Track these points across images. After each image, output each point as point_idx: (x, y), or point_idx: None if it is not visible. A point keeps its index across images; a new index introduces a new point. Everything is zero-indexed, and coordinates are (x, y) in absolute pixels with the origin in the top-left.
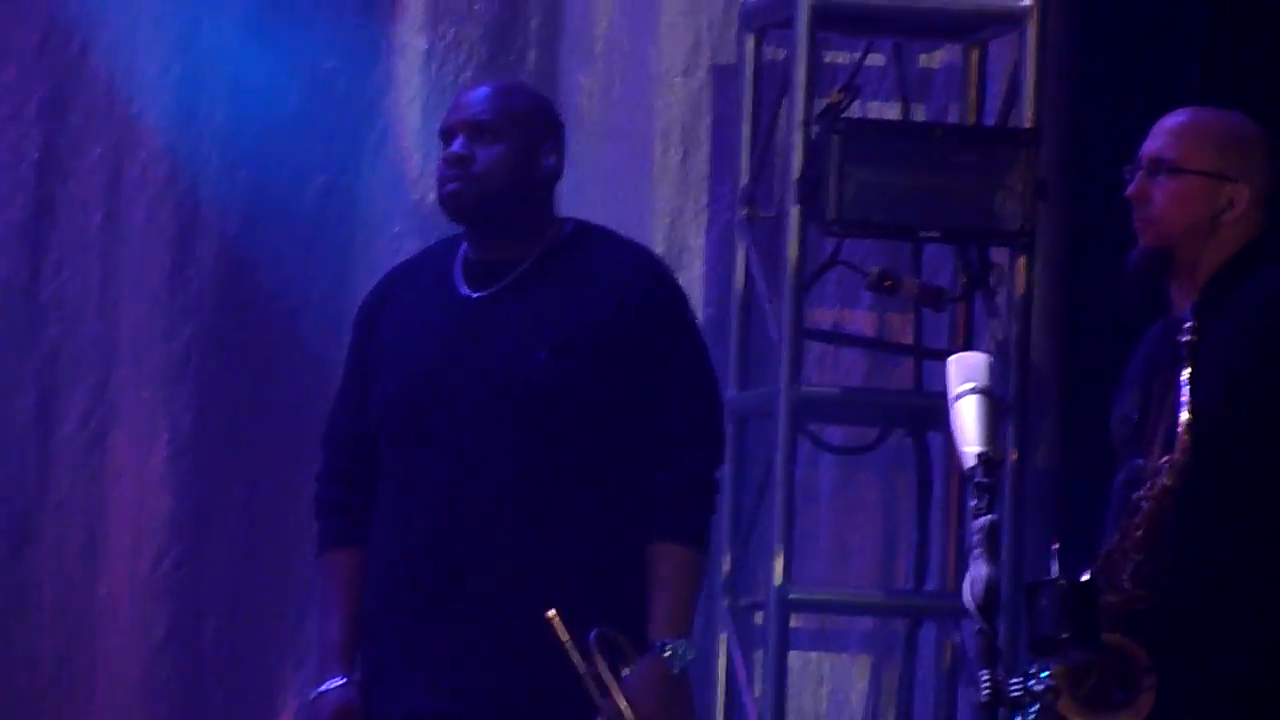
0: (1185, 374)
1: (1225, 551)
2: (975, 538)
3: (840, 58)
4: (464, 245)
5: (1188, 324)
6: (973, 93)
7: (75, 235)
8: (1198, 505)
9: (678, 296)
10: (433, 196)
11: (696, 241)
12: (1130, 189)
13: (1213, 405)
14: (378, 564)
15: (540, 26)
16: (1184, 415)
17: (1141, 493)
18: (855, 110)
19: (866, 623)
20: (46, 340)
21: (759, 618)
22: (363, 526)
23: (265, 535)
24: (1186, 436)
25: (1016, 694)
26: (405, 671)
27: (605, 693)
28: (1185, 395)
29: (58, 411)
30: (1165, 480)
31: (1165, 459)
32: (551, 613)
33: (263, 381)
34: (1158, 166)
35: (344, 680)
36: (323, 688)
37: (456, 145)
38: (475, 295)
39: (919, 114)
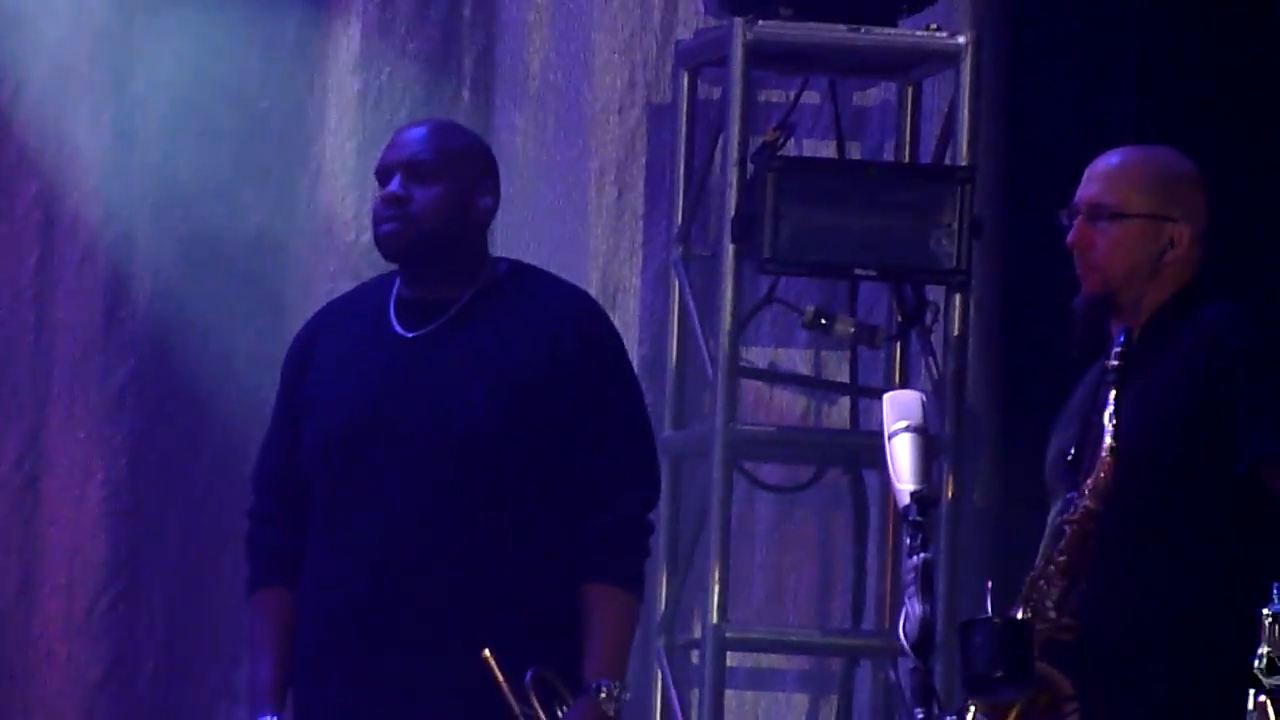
0: (1110, 397)
1: (1147, 578)
2: (909, 576)
3: (775, 96)
4: (397, 284)
5: (1116, 349)
6: (908, 130)
7: (9, 276)
8: (1119, 531)
9: (612, 338)
10: (367, 236)
11: (632, 281)
12: (1071, 237)
13: (1142, 432)
14: (309, 604)
15: (474, 66)
16: (1107, 440)
17: (1064, 517)
18: (791, 148)
19: (803, 661)
20: None
21: (695, 656)
22: (293, 566)
23: (201, 577)
24: (1109, 459)
25: None
26: (337, 708)
27: None
28: (1109, 420)
29: None
30: (1087, 503)
31: (1088, 481)
32: (486, 653)
33: (197, 423)
34: (1097, 212)
35: (273, 718)
36: None
37: (393, 185)
38: (410, 334)
39: (854, 152)
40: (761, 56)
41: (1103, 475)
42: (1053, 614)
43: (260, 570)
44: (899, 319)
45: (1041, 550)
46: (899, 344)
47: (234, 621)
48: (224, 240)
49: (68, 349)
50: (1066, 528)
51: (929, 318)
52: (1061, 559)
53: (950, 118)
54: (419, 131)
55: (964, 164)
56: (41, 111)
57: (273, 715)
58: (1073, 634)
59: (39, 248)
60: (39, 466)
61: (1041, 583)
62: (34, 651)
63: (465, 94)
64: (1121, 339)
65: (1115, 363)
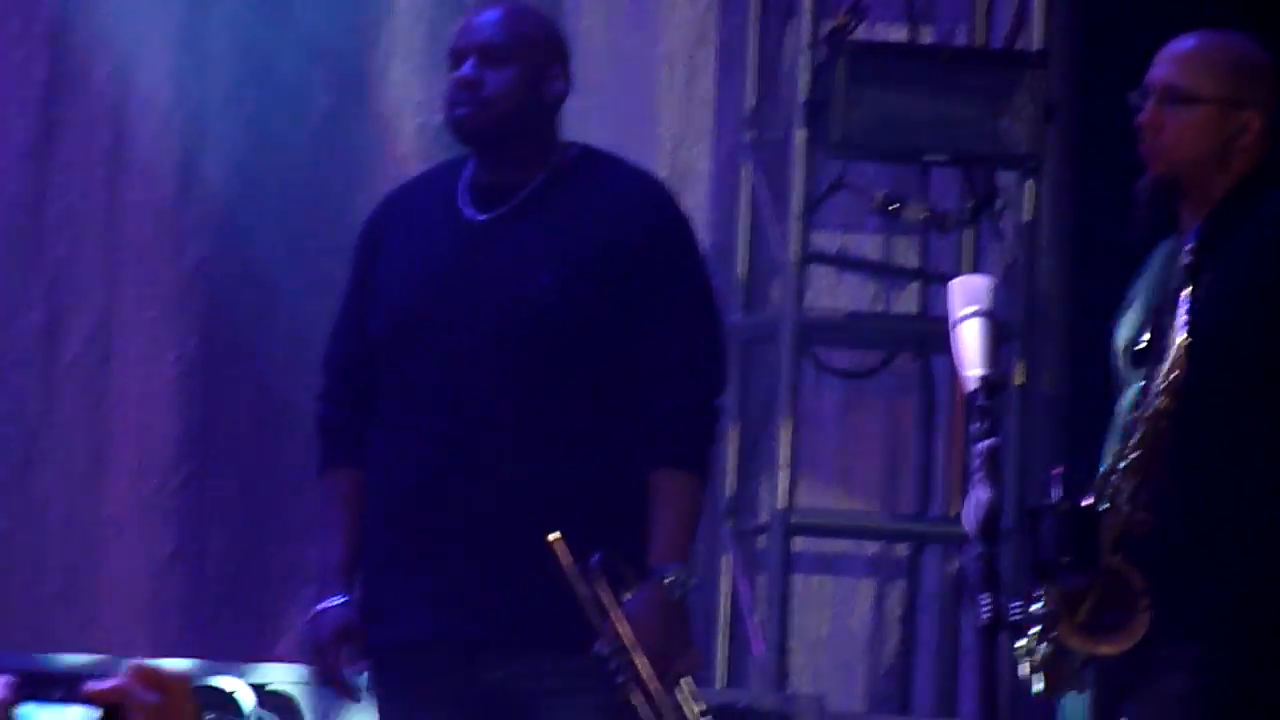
0: (1185, 294)
1: (1221, 473)
2: (977, 461)
3: None
4: (468, 167)
5: (1189, 245)
6: (980, 15)
7: (81, 156)
8: (1194, 426)
9: (682, 222)
10: (436, 119)
11: (701, 165)
12: (1142, 117)
13: (1214, 325)
14: (375, 486)
15: None
16: (1181, 336)
17: (1138, 413)
18: (862, 33)
19: (870, 546)
20: (51, 261)
21: (762, 541)
22: (363, 447)
23: (270, 455)
24: (1183, 356)
25: (1016, 618)
26: (404, 594)
27: (606, 617)
28: (1184, 316)
29: (63, 333)
30: (1161, 401)
31: (1162, 380)
32: (554, 536)
33: (268, 302)
34: (1169, 95)
35: (343, 599)
36: (322, 606)
37: (467, 68)
38: (479, 218)
39: (926, 36)
40: None
41: (1177, 372)
42: (1126, 508)
43: (330, 452)
44: (970, 205)
45: (1112, 445)
46: (969, 229)
47: (303, 501)
48: (296, 123)
49: (139, 229)
50: (1141, 425)
51: (1000, 203)
52: (1134, 455)
53: (1023, 1)
54: (493, 15)
55: (1037, 48)
56: None
57: (342, 595)
58: (1145, 528)
59: (110, 129)
60: (110, 346)
61: (1114, 478)
62: (104, 530)
63: None
64: (1195, 235)
65: (1189, 260)
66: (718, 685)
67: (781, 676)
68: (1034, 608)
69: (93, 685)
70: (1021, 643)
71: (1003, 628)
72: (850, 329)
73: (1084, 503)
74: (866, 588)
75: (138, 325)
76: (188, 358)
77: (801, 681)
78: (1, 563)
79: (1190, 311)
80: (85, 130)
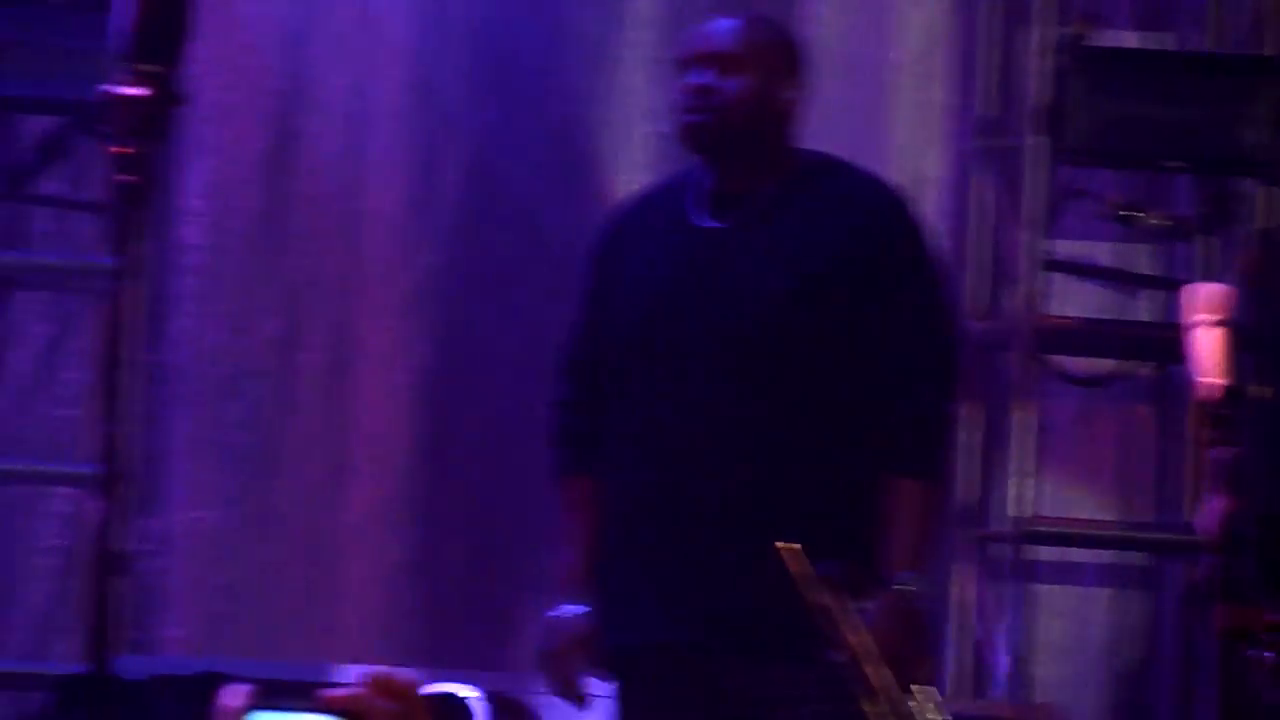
0: None
1: None
2: (1215, 470)
3: None
4: (701, 176)
5: None
6: (1216, 20)
7: (318, 165)
8: None
9: (917, 227)
10: (667, 127)
11: (934, 172)
12: None
13: None
14: (612, 492)
15: None
16: None
17: None
18: (1096, 39)
19: (1108, 555)
20: (289, 271)
21: (999, 549)
22: (599, 454)
23: (505, 463)
24: None
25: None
26: (639, 600)
27: (843, 626)
28: None
29: (301, 343)
30: None
31: None
32: (790, 544)
33: (503, 310)
34: None
35: (580, 606)
36: (559, 613)
37: (700, 76)
38: (713, 225)
39: (1163, 43)
40: None
41: None
42: None
43: (567, 459)
44: (1207, 212)
45: None
46: (1206, 237)
47: (539, 509)
48: (530, 134)
49: (375, 238)
50: None
51: (1238, 211)
52: None
53: (1260, 6)
54: (727, 23)
55: (1274, 53)
56: (352, 4)
57: (579, 602)
58: None
59: (346, 139)
60: (347, 355)
61: None
62: (343, 536)
63: None
64: None
65: None
66: (954, 694)
67: (1019, 685)
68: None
69: (330, 692)
70: (1261, 652)
71: (1241, 637)
72: (1086, 336)
73: None
74: (1104, 596)
75: (375, 334)
76: (424, 366)
77: (1039, 691)
78: (240, 570)
79: None
80: (322, 141)
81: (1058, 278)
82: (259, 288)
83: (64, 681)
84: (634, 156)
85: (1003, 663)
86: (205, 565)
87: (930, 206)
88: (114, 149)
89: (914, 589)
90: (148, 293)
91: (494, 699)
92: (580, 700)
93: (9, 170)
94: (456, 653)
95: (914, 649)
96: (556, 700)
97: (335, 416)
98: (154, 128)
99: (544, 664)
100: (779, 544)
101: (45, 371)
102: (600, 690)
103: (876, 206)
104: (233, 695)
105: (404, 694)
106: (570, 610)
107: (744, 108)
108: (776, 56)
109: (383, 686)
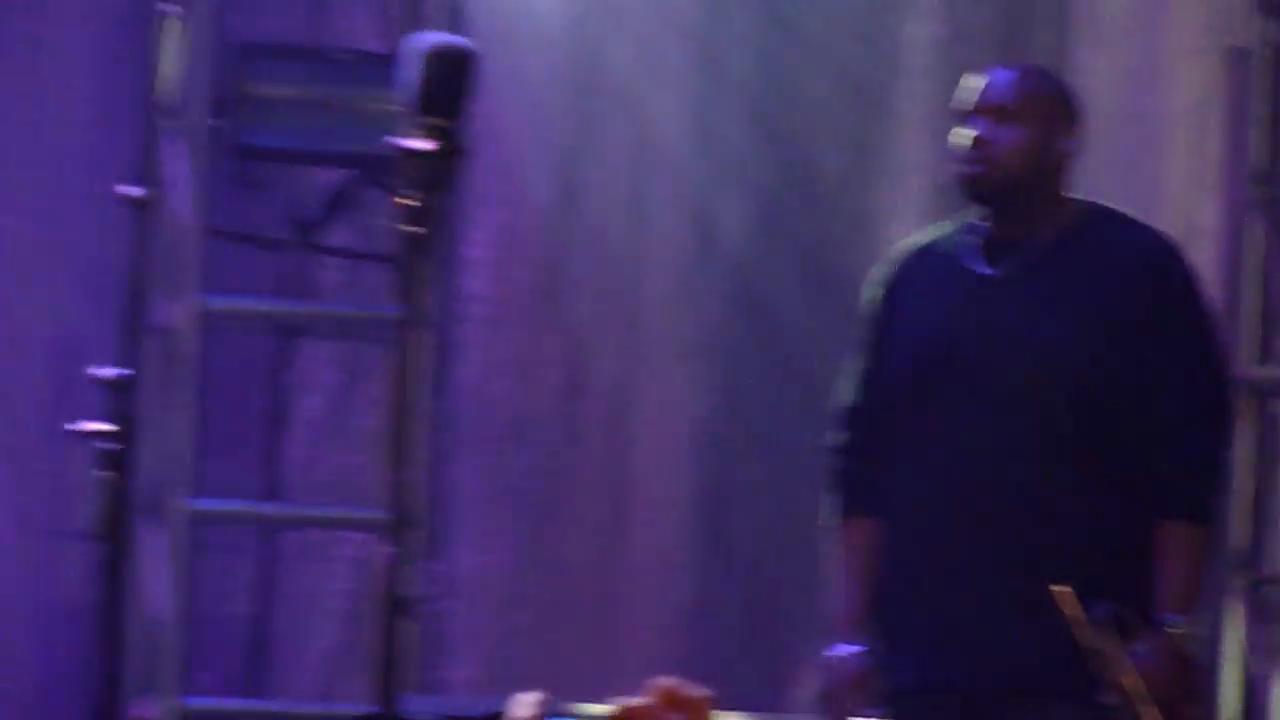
0: None
1: None
2: None
3: None
4: (977, 225)
5: None
6: None
7: (600, 216)
8: None
9: (1192, 276)
10: (944, 178)
11: (1207, 222)
12: None
13: None
14: (892, 535)
15: (1050, 9)
16: None
17: None
18: None
19: None
20: (572, 320)
21: (1271, 592)
22: (877, 498)
23: (782, 508)
24: None
25: None
26: (917, 640)
27: (1116, 668)
28: None
29: (584, 390)
30: None
31: None
32: (1063, 588)
33: (780, 358)
34: None
35: (857, 646)
36: (836, 653)
37: (978, 127)
38: (989, 273)
39: None
40: None
41: None
42: None
43: (846, 502)
44: None
45: None
46: None
47: (812, 553)
48: (808, 183)
49: (657, 285)
50: None
51: None
52: None
53: None
54: (1005, 76)
55: None
56: (629, 60)
57: (858, 643)
58: None
59: (628, 187)
60: (630, 400)
61: None
62: (623, 580)
63: (1041, 37)
64: None
65: None
66: None
67: None
68: None
69: (619, 701)
70: None
71: None
72: None
73: None
74: None
75: (655, 382)
76: (702, 414)
77: None
78: (523, 613)
79: None
80: (604, 192)
81: None
82: (542, 337)
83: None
84: (910, 207)
85: (1274, 706)
86: (490, 608)
87: (1203, 256)
88: (400, 201)
89: (1186, 632)
90: (434, 341)
91: None
92: None
93: (299, 222)
94: (735, 693)
95: (1185, 691)
96: None
97: (615, 463)
98: (440, 180)
99: (822, 703)
100: (1053, 587)
101: (335, 418)
102: None
103: (1151, 255)
104: (523, 705)
105: (691, 706)
106: (847, 650)
107: (1020, 158)
108: (1052, 108)
109: (670, 698)
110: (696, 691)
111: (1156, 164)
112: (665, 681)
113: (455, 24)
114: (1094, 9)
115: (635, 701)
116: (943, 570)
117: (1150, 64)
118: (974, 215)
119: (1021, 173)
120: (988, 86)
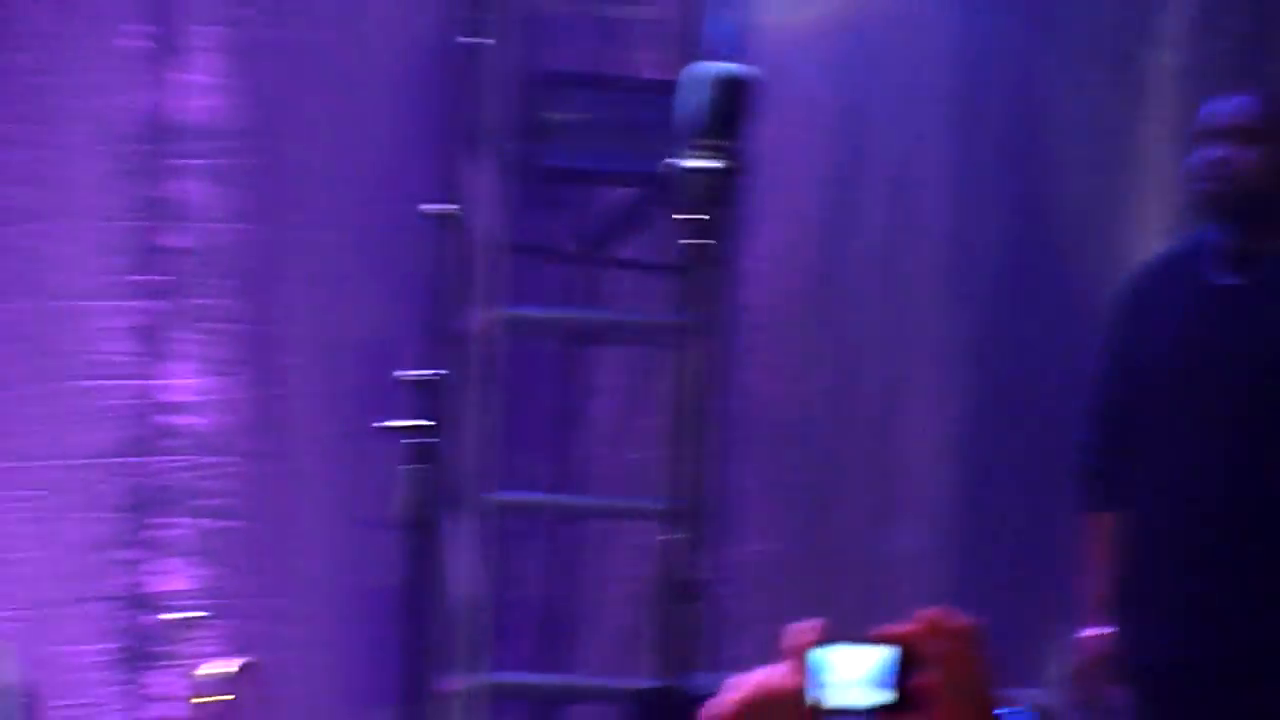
0: None
1: None
2: None
3: None
4: (1216, 238)
5: None
6: None
7: (869, 231)
8: None
9: None
10: (1183, 198)
11: None
12: None
13: None
14: (1138, 526)
15: None
16: None
17: None
18: None
19: None
20: (841, 326)
21: None
22: (1122, 493)
23: (1036, 499)
24: None
25: None
26: (1161, 622)
27: None
28: None
29: (852, 391)
30: None
31: None
32: None
33: (1035, 364)
34: None
35: (1104, 628)
36: (1084, 634)
37: (1218, 148)
38: (1232, 282)
39: None
40: None
41: None
42: None
43: (1092, 496)
44: None
45: None
46: None
47: (1067, 540)
48: (1059, 198)
49: (921, 295)
50: None
51: None
52: None
53: None
54: (1245, 100)
55: None
56: (899, 85)
57: (1102, 624)
58: None
59: (895, 204)
60: (896, 401)
61: None
62: (890, 567)
63: (1275, 65)
64: None
65: None
66: None
67: None
68: None
69: (889, 628)
70: None
71: None
72: None
73: None
74: None
75: (919, 385)
76: (963, 414)
77: None
78: (799, 598)
79: None
80: (873, 208)
81: None
82: (814, 343)
83: (640, 694)
84: (1153, 226)
85: None
86: (770, 593)
87: None
88: (684, 216)
89: None
90: (715, 347)
91: (1036, 708)
92: (1104, 714)
93: (591, 236)
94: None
95: None
96: (1082, 713)
97: (883, 460)
98: (720, 196)
99: (1072, 680)
100: None
101: (623, 418)
102: (1121, 704)
103: None
104: (801, 632)
105: (958, 634)
106: (1095, 632)
107: (1256, 177)
108: None
109: (937, 626)
110: (961, 620)
111: None
112: (932, 610)
113: (731, 57)
114: None
115: (906, 627)
116: (1185, 559)
117: None
118: (1214, 230)
119: (1257, 189)
120: (1228, 110)
